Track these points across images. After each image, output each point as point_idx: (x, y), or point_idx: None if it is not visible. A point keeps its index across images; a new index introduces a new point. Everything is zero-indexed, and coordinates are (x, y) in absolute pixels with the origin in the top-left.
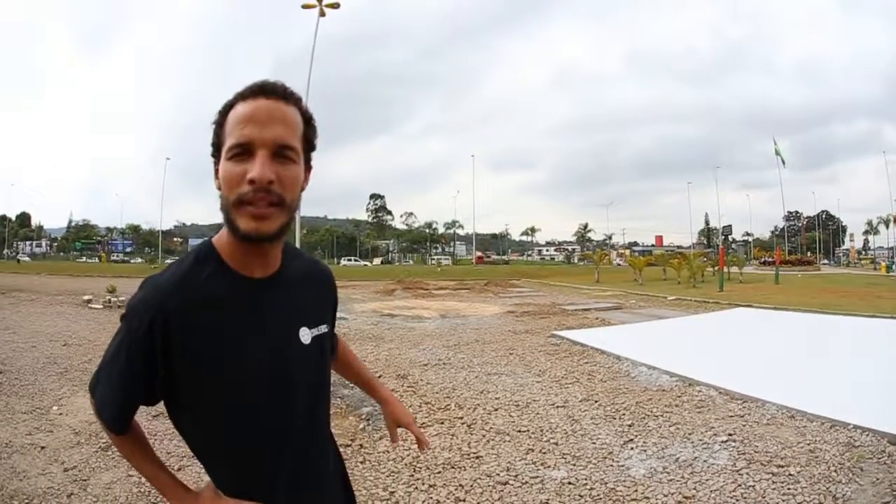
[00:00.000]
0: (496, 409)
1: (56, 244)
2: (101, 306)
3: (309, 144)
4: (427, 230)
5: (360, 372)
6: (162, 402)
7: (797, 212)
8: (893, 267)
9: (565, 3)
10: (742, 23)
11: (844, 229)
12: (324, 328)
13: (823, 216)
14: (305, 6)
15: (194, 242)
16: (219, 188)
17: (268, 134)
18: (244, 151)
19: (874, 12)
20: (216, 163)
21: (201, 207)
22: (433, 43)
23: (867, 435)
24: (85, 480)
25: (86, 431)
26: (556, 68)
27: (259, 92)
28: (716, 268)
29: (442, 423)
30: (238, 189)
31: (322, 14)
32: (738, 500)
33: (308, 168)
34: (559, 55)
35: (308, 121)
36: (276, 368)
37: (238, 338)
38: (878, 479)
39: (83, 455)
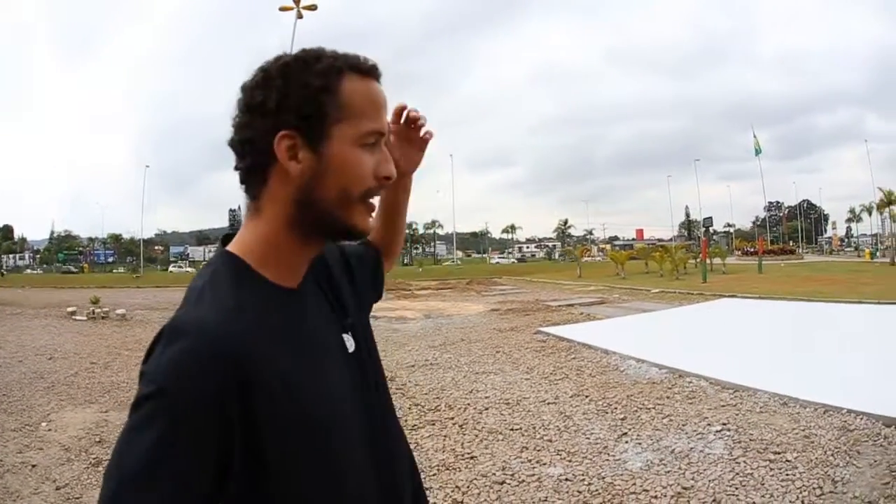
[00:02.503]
0: (487, 409)
1: (39, 256)
2: (85, 318)
3: None
4: (407, 230)
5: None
6: None
7: (778, 202)
8: (877, 254)
9: None
10: (722, 15)
11: (826, 218)
12: (356, 316)
13: (805, 205)
14: (283, 8)
15: (176, 251)
16: (300, 174)
17: (387, 128)
18: (377, 141)
19: (855, 2)
20: (295, 136)
21: (181, 214)
22: (411, 42)
23: (861, 419)
24: (78, 498)
25: (75, 447)
26: (535, 65)
27: (375, 74)
28: (698, 259)
29: (433, 424)
30: (368, 183)
31: (299, 16)
32: (737, 489)
33: None
34: (538, 51)
35: None
36: (349, 400)
37: (313, 372)
38: (875, 461)
39: (74, 472)
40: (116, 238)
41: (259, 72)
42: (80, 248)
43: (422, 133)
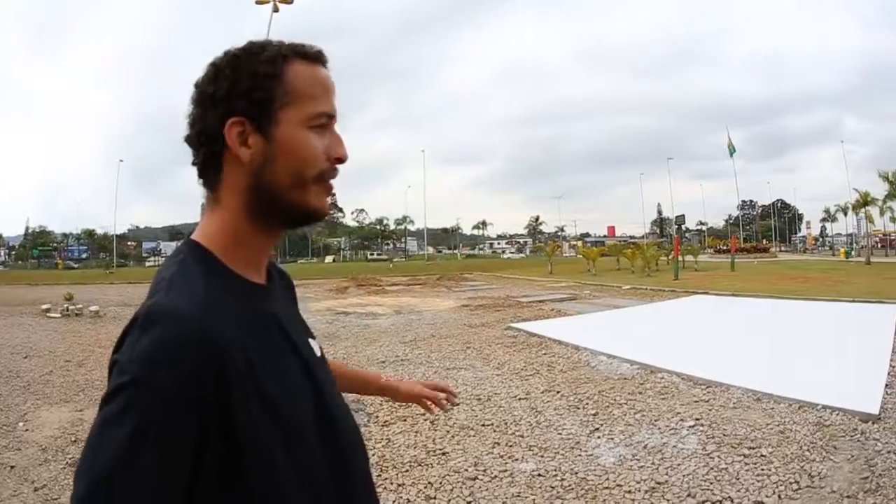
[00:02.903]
0: (458, 404)
1: (14, 252)
2: (59, 315)
3: None
4: (378, 227)
5: (344, 371)
6: None
7: (752, 201)
8: (852, 252)
9: None
10: (698, 16)
11: (801, 217)
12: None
13: (779, 204)
14: (259, 2)
15: (148, 246)
16: (250, 159)
17: (337, 109)
18: (327, 123)
19: (833, 4)
20: (247, 122)
21: (153, 210)
22: (385, 38)
23: (837, 414)
24: (56, 499)
25: (52, 447)
26: (508, 61)
27: (321, 59)
28: (670, 257)
29: (405, 420)
30: (321, 164)
31: (275, 10)
32: (711, 483)
33: None
34: (511, 48)
35: None
36: (322, 400)
37: (283, 368)
38: (853, 456)
39: (52, 473)
40: (90, 234)
41: (209, 66)
42: (55, 244)
43: (437, 409)
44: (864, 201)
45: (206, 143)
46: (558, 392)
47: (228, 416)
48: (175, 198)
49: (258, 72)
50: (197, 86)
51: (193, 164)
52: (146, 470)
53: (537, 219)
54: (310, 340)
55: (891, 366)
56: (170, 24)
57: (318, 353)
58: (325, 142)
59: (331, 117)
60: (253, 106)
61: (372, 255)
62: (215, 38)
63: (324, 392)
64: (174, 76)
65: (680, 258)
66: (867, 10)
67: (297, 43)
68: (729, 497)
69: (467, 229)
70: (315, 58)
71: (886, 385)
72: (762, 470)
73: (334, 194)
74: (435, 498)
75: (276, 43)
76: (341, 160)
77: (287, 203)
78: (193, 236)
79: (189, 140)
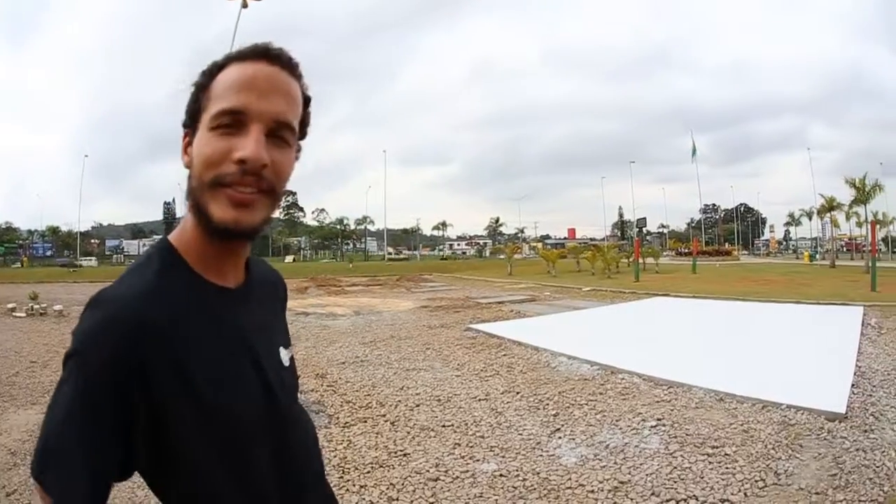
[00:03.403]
0: (418, 405)
1: None
2: (24, 314)
3: (302, 130)
4: (339, 226)
5: None
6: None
7: (714, 204)
8: (817, 256)
9: None
10: (667, 22)
11: (764, 221)
12: (292, 349)
13: (742, 208)
14: None
15: (111, 244)
16: (188, 166)
17: (267, 106)
18: (234, 122)
19: (804, 12)
20: (189, 134)
21: (116, 207)
22: (349, 36)
23: (802, 413)
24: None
25: (21, 451)
26: (473, 63)
27: (263, 54)
28: (631, 259)
29: (365, 421)
30: (219, 168)
31: (244, 5)
32: (675, 482)
33: (296, 158)
34: (476, 49)
35: (307, 102)
36: (273, 407)
37: (228, 370)
38: (820, 454)
39: (22, 477)
40: (54, 231)
41: None
42: (20, 241)
43: None
44: (830, 206)
45: (184, 151)
46: (518, 393)
47: (152, 401)
48: (138, 195)
49: (197, 83)
50: None
51: None
52: (78, 429)
53: (497, 220)
54: (281, 349)
55: (857, 366)
56: (138, 19)
57: (286, 363)
58: (228, 142)
59: (236, 114)
60: (189, 118)
61: (391, 254)
62: (183, 34)
63: (276, 399)
64: (140, 71)
65: (641, 260)
66: (838, 19)
67: (250, 46)
68: (694, 496)
69: (427, 230)
70: (250, 55)
71: (853, 385)
72: (727, 469)
73: (295, 193)
74: (397, 499)
75: (234, 52)
76: (242, 161)
77: (198, 210)
78: (170, 234)
79: None
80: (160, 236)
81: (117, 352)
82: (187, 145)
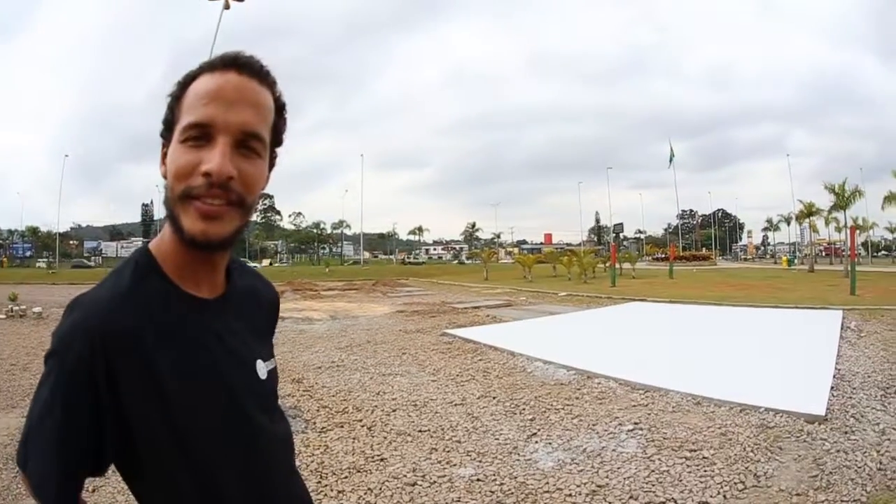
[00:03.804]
0: (394, 410)
1: None
2: (3, 316)
3: (277, 137)
4: (315, 230)
5: None
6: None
7: (692, 210)
8: (795, 261)
9: (466, 1)
10: (648, 28)
11: (742, 226)
12: (273, 361)
13: (720, 214)
14: None
15: (90, 246)
16: (164, 176)
17: (233, 117)
18: (202, 135)
19: (786, 20)
20: (165, 145)
21: (94, 208)
22: (330, 39)
23: (781, 416)
24: None
25: (2, 455)
26: (453, 67)
27: (231, 64)
28: (607, 264)
29: (342, 426)
30: (188, 181)
31: (226, 6)
32: (653, 485)
33: (271, 166)
34: (455, 53)
35: (280, 109)
36: (239, 418)
37: (192, 377)
38: (800, 456)
39: (4, 482)
40: (34, 231)
41: None
42: (0, 241)
43: None
44: (809, 212)
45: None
46: (494, 398)
47: (119, 403)
48: (116, 197)
49: (172, 94)
50: None
51: None
52: (54, 423)
53: (474, 225)
54: (259, 362)
55: (837, 369)
56: (120, 19)
57: (263, 376)
58: (199, 155)
59: (203, 127)
60: (166, 129)
61: (410, 257)
62: (166, 34)
63: (242, 408)
64: (121, 71)
65: (617, 266)
66: (821, 27)
67: (221, 55)
68: (672, 498)
69: (403, 234)
70: (218, 66)
71: (833, 387)
72: (705, 471)
73: (272, 196)
74: None
75: (206, 62)
76: (207, 174)
77: (172, 220)
78: (150, 243)
79: None
80: (138, 239)
81: (85, 355)
82: (164, 156)
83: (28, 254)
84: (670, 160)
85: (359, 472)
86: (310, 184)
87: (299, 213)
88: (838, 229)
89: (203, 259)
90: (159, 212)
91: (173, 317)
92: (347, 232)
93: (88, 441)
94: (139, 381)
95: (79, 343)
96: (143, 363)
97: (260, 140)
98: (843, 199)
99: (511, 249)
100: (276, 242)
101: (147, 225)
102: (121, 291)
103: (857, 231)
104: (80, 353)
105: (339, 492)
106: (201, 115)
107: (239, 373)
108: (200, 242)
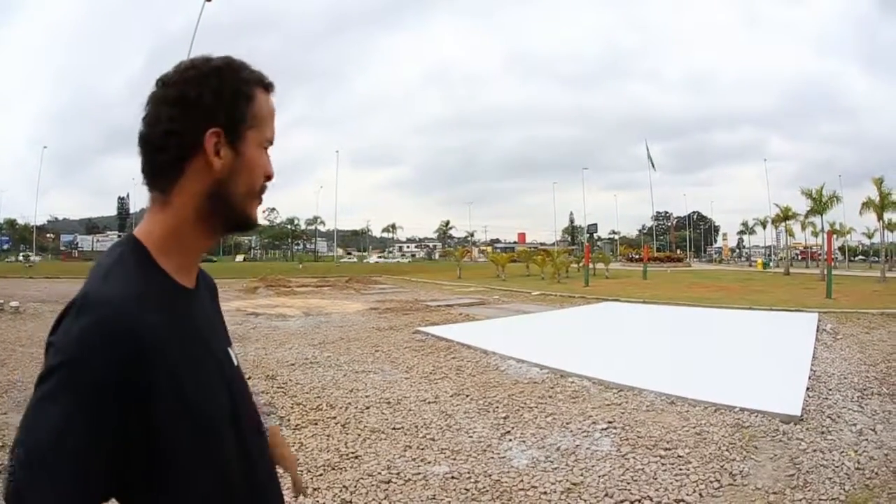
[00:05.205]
0: (368, 408)
1: None
2: None
3: None
4: (289, 226)
5: None
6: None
7: (667, 212)
8: (770, 264)
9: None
10: (630, 32)
11: (717, 229)
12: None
13: (695, 216)
14: None
15: (66, 239)
16: (219, 168)
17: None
18: (267, 147)
19: (769, 28)
20: (227, 134)
21: (70, 201)
22: (309, 35)
23: (756, 416)
24: None
25: None
26: (432, 66)
27: (273, 89)
28: (581, 264)
29: (316, 423)
30: (262, 181)
31: None
32: (628, 483)
33: None
34: (436, 53)
35: None
36: (235, 405)
37: (204, 373)
38: (776, 455)
39: None
40: (12, 224)
41: (189, 69)
42: None
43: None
44: (786, 215)
45: (176, 146)
46: (468, 396)
47: (148, 409)
48: (92, 189)
49: (240, 90)
50: (172, 84)
51: (150, 161)
52: (74, 444)
53: (448, 223)
54: (228, 349)
55: (812, 370)
56: (97, 9)
57: (235, 363)
58: (266, 161)
59: (272, 143)
60: (229, 121)
61: (383, 255)
62: (146, 25)
63: (237, 398)
64: (98, 62)
65: (591, 266)
66: (802, 36)
67: (263, 75)
68: (648, 496)
69: (377, 232)
70: (270, 88)
71: (808, 388)
72: (680, 470)
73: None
74: (351, 502)
75: (249, 66)
76: (270, 178)
77: (238, 212)
78: (135, 232)
79: (153, 138)
80: (114, 232)
81: (120, 359)
82: (217, 144)
83: (6, 247)
84: (652, 164)
85: (333, 469)
86: (285, 180)
87: (273, 209)
88: (815, 233)
89: (204, 248)
90: (136, 205)
91: (183, 313)
92: (321, 228)
93: (115, 474)
94: (170, 391)
95: (108, 350)
96: (171, 365)
97: None
98: (820, 204)
99: (485, 248)
100: (250, 238)
101: (123, 218)
102: (138, 289)
103: (835, 236)
104: (109, 361)
105: (315, 489)
106: (272, 132)
107: (227, 363)
108: (252, 228)
